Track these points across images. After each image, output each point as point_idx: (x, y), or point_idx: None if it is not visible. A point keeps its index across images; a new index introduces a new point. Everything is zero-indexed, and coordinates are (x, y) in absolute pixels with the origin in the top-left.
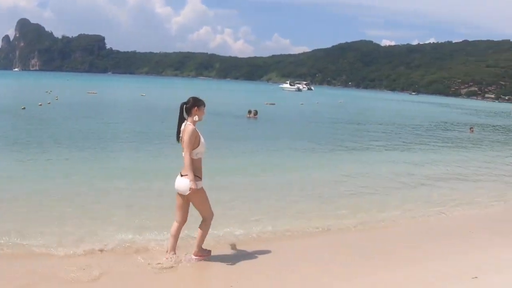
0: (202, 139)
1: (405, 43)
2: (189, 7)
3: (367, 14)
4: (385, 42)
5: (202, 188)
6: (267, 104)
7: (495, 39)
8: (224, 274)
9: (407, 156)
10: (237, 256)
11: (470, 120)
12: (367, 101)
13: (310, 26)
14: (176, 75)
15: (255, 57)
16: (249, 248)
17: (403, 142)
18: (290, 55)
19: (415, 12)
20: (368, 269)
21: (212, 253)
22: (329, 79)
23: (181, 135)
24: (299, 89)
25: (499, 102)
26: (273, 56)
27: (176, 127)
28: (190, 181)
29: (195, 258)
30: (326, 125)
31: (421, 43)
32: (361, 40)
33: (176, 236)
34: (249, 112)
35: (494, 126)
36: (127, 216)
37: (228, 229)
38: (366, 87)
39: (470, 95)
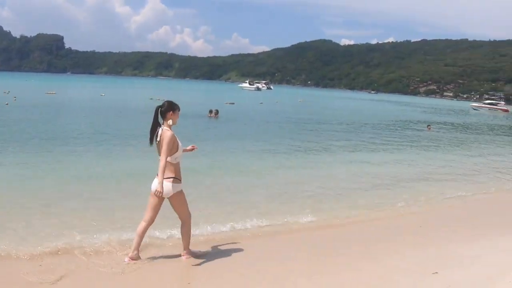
0: (179, 143)
1: (364, 42)
2: (148, 6)
3: (326, 14)
4: (344, 42)
5: (181, 191)
6: (227, 103)
7: (454, 38)
8: (184, 273)
9: (367, 155)
10: (200, 255)
11: (429, 118)
12: (327, 100)
13: (270, 26)
14: (135, 75)
15: (214, 57)
16: (213, 248)
17: (362, 141)
18: (249, 55)
19: (374, 12)
20: (332, 267)
21: (174, 253)
22: (288, 78)
23: (158, 139)
24: (258, 89)
25: (457, 100)
26: (233, 55)
27: (149, 129)
28: (158, 183)
29: (185, 258)
30: (287, 124)
31: (380, 42)
32: (320, 40)
33: (141, 236)
34: (210, 111)
35: (452, 124)
36: (90, 217)
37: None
38: (325, 86)
39: (428, 93)
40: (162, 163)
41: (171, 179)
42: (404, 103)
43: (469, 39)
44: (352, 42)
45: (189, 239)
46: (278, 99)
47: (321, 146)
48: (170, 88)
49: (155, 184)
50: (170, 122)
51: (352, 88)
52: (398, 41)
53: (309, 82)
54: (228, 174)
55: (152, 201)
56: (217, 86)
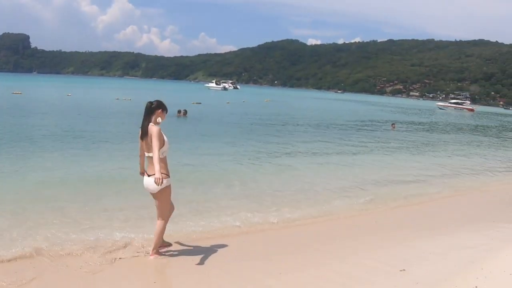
0: (166, 138)
1: (331, 42)
2: (116, 6)
3: (293, 14)
4: (311, 41)
5: (169, 186)
6: (193, 103)
7: (420, 39)
8: (152, 272)
9: (332, 155)
10: (169, 255)
11: (396, 118)
12: (294, 100)
13: (237, 25)
14: (102, 75)
15: (181, 57)
16: (182, 248)
17: (328, 141)
18: (216, 54)
19: (341, 12)
20: (300, 265)
21: (144, 253)
22: (255, 78)
23: (147, 135)
24: (225, 88)
25: (423, 100)
26: (200, 55)
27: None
28: (156, 171)
29: (153, 258)
30: (253, 124)
31: (347, 42)
32: (287, 39)
33: (159, 235)
34: (179, 111)
35: (418, 123)
36: (59, 218)
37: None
38: (292, 86)
39: (395, 93)
40: (155, 156)
41: (163, 175)
42: (371, 102)
43: (435, 40)
44: (319, 42)
45: (161, 239)
46: (245, 98)
47: (286, 146)
48: (137, 88)
49: (147, 183)
50: (159, 119)
51: (319, 88)
52: (365, 41)
53: (276, 82)
54: (196, 173)
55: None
56: (184, 86)
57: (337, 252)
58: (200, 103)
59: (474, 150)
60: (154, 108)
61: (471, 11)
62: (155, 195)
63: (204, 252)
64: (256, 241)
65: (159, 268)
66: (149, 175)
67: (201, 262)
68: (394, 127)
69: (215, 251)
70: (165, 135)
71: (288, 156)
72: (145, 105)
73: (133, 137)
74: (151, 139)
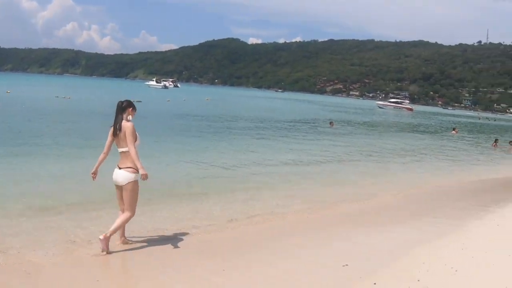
0: (137, 135)
1: (272, 42)
2: (56, 2)
3: (234, 12)
4: (252, 40)
5: (137, 181)
6: (133, 101)
7: (360, 39)
8: (95, 270)
9: (273, 153)
10: (111, 255)
11: (335, 116)
12: (235, 98)
13: (178, 23)
14: (41, 72)
15: (122, 54)
16: (130, 246)
17: (267, 138)
18: (157, 52)
19: (281, 11)
20: (245, 263)
21: (87, 252)
22: (195, 76)
23: (120, 131)
24: (165, 87)
25: (363, 99)
26: (140, 53)
27: (112, 123)
28: (140, 168)
29: (105, 244)
30: (194, 122)
31: (287, 41)
32: (228, 38)
33: (120, 226)
34: None
35: (358, 122)
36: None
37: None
38: (232, 84)
39: (335, 92)
40: (133, 151)
41: (130, 169)
42: (312, 101)
43: (375, 40)
44: (260, 41)
45: (121, 227)
46: (185, 97)
47: (224, 145)
48: (77, 86)
49: (116, 175)
50: (130, 117)
51: (259, 86)
52: (305, 41)
53: (216, 80)
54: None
55: (117, 193)
56: (124, 84)
57: (281, 249)
58: (141, 101)
59: (412, 148)
60: (125, 107)
61: (409, 12)
62: (124, 188)
63: (152, 251)
64: (202, 240)
65: (105, 267)
66: (120, 168)
67: (149, 261)
68: (332, 125)
69: (162, 250)
70: (136, 131)
71: (233, 153)
72: (116, 104)
73: (69, 137)
74: (125, 135)
